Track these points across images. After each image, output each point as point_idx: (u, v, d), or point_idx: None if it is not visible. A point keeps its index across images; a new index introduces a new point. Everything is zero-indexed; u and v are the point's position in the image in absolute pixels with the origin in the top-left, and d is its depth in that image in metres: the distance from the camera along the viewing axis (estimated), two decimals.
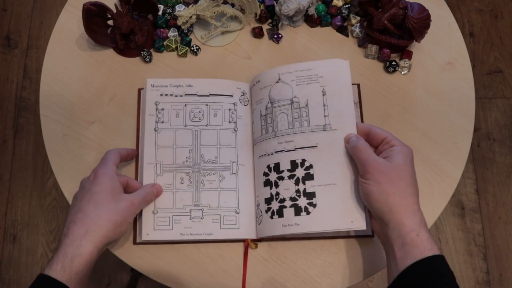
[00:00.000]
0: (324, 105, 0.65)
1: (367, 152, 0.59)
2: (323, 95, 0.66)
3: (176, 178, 0.67)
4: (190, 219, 0.65)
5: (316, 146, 0.64)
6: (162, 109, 0.70)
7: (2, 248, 1.35)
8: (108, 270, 1.33)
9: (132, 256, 0.65)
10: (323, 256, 0.65)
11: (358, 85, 0.74)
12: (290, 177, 0.64)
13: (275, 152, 0.65)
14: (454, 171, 0.70)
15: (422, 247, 0.53)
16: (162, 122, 0.69)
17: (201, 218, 0.65)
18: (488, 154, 1.48)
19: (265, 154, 0.66)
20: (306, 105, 0.66)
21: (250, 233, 0.65)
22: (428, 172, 0.70)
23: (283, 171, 0.64)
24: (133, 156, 0.68)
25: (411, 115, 0.73)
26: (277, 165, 0.65)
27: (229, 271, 0.65)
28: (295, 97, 0.67)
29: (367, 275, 0.64)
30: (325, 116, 0.65)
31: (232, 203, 0.65)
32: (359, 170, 0.60)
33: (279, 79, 0.68)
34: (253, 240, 0.65)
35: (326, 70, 0.67)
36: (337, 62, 0.67)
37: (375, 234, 0.63)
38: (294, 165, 0.64)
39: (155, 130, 0.69)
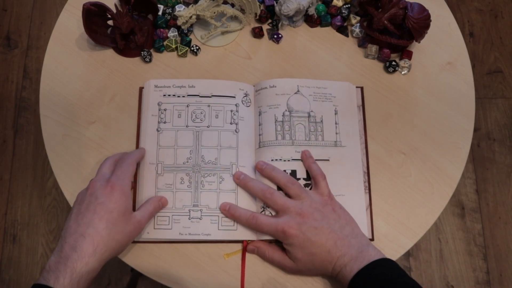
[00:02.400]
0: (336, 123, 0.70)
1: (273, 256, 0.63)
2: (335, 114, 0.71)
3: (177, 178, 0.67)
4: (189, 219, 0.65)
5: (328, 160, 0.68)
6: (165, 110, 0.70)
7: (2, 248, 1.35)
8: (108, 270, 1.33)
9: (132, 256, 0.65)
10: None
11: (362, 88, 0.74)
12: (306, 185, 0.66)
13: (293, 159, 0.67)
14: (454, 171, 0.70)
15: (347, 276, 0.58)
16: (165, 122, 0.69)
17: (199, 218, 0.65)
18: (488, 154, 1.48)
19: (280, 159, 0.67)
20: (321, 121, 0.70)
21: (247, 234, 0.65)
22: (428, 172, 0.70)
23: (299, 179, 0.66)
24: (143, 154, 0.68)
25: (411, 115, 0.73)
26: (293, 172, 0.67)
27: (228, 271, 0.65)
28: (312, 111, 0.71)
29: None
30: (336, 133, 0.70)
31: None
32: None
33: (298, 90, 0.71)
34: (252, 241, 0.65)
35: (338, 91, 0.72)
36: (347, 86, 0.73)
37: None
38: (309, 174, 0.67)
39: (157, 131, 0.69)
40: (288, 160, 0.67)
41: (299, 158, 0.67)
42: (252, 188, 0.64)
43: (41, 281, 0.53)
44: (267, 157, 0.67)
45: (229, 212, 0.64)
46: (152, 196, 0.65)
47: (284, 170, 0.66)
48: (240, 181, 0.65)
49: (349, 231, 0.60)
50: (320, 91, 0.72)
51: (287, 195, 0.64)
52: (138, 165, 0.68)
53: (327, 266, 0.59)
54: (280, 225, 0.60)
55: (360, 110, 0.72)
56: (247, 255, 0.65)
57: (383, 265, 0.57)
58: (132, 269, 1.06)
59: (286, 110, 0.70)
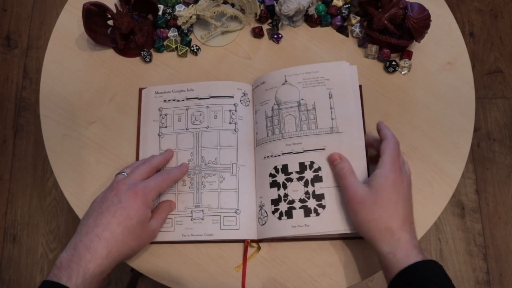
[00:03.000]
0: (331, 108, 0.66)
1: (349, 179, 0.60)
2: (330, 97, 0.66)
3: (178, 181, 0.67)
4: (191, 220, 0.65)
5: (324, 149, 0.64)
6: (166, 115, 0.71)
7: (2, 248, 1.35)
8: None
9: None
10: (323, 256, 0.65)
11: (360, 87, 0.74)
12: (299, 179, 0.64)
13: (283, 154, 0.66)
14: (454, 171, 0.70)
15: (398, 266, 0.55)
16: (166, 127, 0.70)
17: (201, 219, 0.65)
18: (488, 154, 1.48)
19: (271, 156, 0.66)
20: (314, 108, 0.66)
21: (250, 234, 0.65)
22: (428, 172, 0.70)
23: (291, 172, 0.65)
24: (185, 174, 0.68)
25: (411, 115, 0.73)
26: (285, 167, 0.65)
27: (229, 271, 0.65)
28: (302, 99, 0.67)
29: (367, 275, 0.65)
30: (332, 119, 0.65)
31: (232, 203, 0.65)
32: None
33: (286, 81, 0.68)
34: (253, 241, 0.65)
35: (333, 73, 0.67)
36: (344, 65, 0.68)
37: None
38: (302, 167, 0.64)
39: (159, 135, 0.70)
40: (279, 155, 0.66)
41: (291, 151, 0.65)
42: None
43: (52, 277, 0.53)
44: (261, 155, 0.67)
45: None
46: (161, 201, 0.66)
47: (275, 166, 0.65)
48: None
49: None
50: (310, 76, 0.68)
51: None
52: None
53: (389, 230, 0.57)
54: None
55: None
56: (247, 255, 0.65)
57: (437, 266, 0.56)
58: (132, 269, 1.06)
59: (274, 104, 0.68)
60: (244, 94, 0.71)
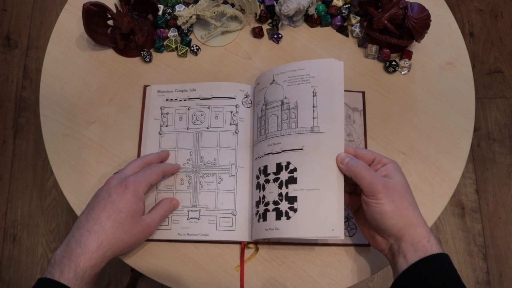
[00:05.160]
0: (313, 107, 0.62)
1: (371, 171, 0.57)
2: (313, 96, 0.62)
3: (177, 180, 0.67)
4: (187, 219, 0.65)
5: (301, 149, 0.61)
6: (167, 113, 0.71)
7: (2, 248, 1.35)
8: (108, 270, 1.33)
9: (132, 256, 0.65)
10: (323, 256, 0.65)
11: (363, 93, 0.73)
12: (275, 180, 0.61)
13: (265, 154, 0.64)
14: (454, 171, 0.70)
15: (431, 250, 0.54)
16: (167, 125, 0.70)
17: (198, 218, 0.65)
18: (488, 154, 1.48)
19: (258, 157, 0.65)
20: (296, 106, 0.63)
21: (246, 235, 0.65)
22: (428, 172, 0.70)
23: (269, 174, 0.62)
24: (175, 172, 0.67)
25: (411, 115, 0.73)
26: (265, 168, 0.63)
27: (228, 271, 0.65)
28: (285, 98, 0.64)
29: (367, 275, 0.65)
30: (313, 118, 0.61)
31: (229, 204, 0.65)
32: (364, 191, 0.57)
33: (273, 80, 0.66)
34: (249, 243, 0.65)
35: (319, 70, 0.63)
36: (331, 62, 0.63)
37: (375, 248, 0.61)
38: (279, 168, 0.61)
39: (160, 134, 0.70)
40: (262, 157, 0.64)
41: (270, 152, 0.63)
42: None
43: (46, 275, 0.54)
44: (253, 157, 0.67)
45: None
46: (164, 198, 0.66)
47: (259, 168, 0.64)
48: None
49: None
50: (295, 73, 0.64)
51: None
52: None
53: (418, 216, 0.56)
54: (382, 180, 0.57)
55: (361, 115, 0.72)
56: (247, 255, 0.65)
57: (444, 261, 0.55)
58: (132, 269, 1.06)
59: (263, 105, 0.67)
60: (246, 96, 0.71)
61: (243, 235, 0.64)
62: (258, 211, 0.63)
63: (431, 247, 0.55)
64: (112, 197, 0.58)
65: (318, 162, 0.59)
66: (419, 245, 0.55)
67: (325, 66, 0.63)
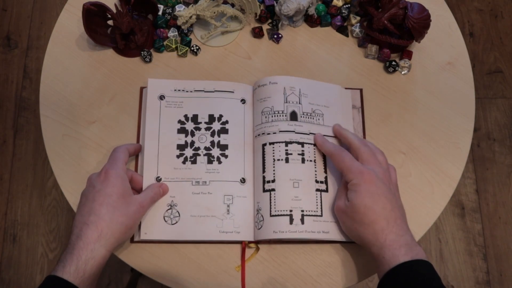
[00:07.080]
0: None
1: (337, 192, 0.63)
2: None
3: (140, 151, 0.67)
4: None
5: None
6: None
7: (2, 248, 1.35)
8: (108, 270, 1.33)
9: (131, 255, 0.65)
10: (323, 256, 0.65)
11: (361, 90, 0.74)
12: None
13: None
14: (454, 171, 0.70)
15: (384, 269, 0.55)
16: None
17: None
18: (488, 154, 1.48)
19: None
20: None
21: (247, 235, 0.64)
22: (428, 172, 0.70)
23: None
24: (138, 151, 0.68)
25: (411, 115, 0.73)
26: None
27: (228, 271, 0.65)
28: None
29: (367, 275, 0.65)
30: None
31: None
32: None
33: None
34: (250, 242, 0.65)
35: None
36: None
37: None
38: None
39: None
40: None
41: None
42: (326, 147, 0.65)
43: (51, 272, 0.54)
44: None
45: (318, 142, 0.66)
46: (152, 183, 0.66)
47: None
48: (318, 141, 0.66)
49: (404, 221, 0.59)
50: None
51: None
52: (136, 164, 0.68)
53: (374, 235, 0.57)
54: (362, 167, 0.59)
55: (359, 112, 0.72)
56: (247, 255, 0.65)
57: (426, 266, 0.55)
58: (132, 269, 1.06)
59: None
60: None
61: (244, 235, 0.64)
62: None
63: (387, 264, 0.55)
64: (97, 187, 0.59)
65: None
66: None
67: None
